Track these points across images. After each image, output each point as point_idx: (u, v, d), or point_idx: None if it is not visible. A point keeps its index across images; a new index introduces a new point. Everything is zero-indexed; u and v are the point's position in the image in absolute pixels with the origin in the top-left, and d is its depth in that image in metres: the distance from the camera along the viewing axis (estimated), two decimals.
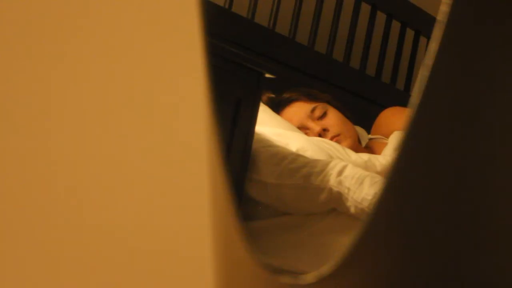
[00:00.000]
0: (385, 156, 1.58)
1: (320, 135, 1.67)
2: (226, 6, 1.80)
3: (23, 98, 0.70)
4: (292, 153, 1.38)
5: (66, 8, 0.71)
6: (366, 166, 1.47)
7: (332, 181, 1.29)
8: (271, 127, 1.55)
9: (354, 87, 2.13)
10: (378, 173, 1.41)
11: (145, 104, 0.74)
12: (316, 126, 1.68)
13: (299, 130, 1.67)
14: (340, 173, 1.30)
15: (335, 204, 1.31)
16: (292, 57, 1.97)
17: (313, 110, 1.71)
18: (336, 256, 0.70)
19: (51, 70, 0.71)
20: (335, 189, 1.29)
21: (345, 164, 1.33)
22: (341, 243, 1.24)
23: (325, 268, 0.71)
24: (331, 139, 1.67)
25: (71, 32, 0.71)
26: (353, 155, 1.54)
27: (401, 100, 2.06)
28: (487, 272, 0.72)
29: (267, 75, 1.36)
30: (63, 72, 0.71)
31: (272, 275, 0.78)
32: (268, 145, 1.41)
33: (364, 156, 1.53)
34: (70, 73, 0.71)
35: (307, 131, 1.69)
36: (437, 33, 0.63)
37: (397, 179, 0.69)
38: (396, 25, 2.30)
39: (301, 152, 1.42)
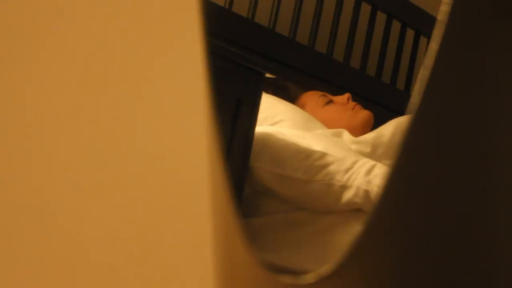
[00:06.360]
0: (387, 127, 1.64)
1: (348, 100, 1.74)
2: (226, 6, 1.80)
3: (22, 98, 0.70)
4: (319, 151, 1.39)
5: (66, 7, 0.71)
6: (374, 144, 1.53)
7: (361, 180, 1.29)
8: (281, 110, 1.59)
9: (354, 87, 2.13)
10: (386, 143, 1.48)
11: (145, 104, 0.74)
12: (338, 97, 1.74)
13: (316, 121, 1.69)
14: (369, 172, 1.30)
15: (361, 203, 1.30)
16: (292, 57, 1.97)
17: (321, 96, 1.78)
18: (336, 256, 0.70)
19: (50, 71, 0.71)
20: (363, 187, 1.29)
21: (374, 163, 1.34)
22: (343, 242, 1.24)
23: (325, 268, 0.71)
24: (354, 107, 1.74)
25: (71, 32, 0.71)
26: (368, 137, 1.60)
27: (401, 100, 2.06)
28: (489, 273, 0.72)
29: (267, 75, 1.35)
30: (62, 72, 0.71)
31: (272, 274, 0.78)
32: (294, 141, 1.41)
33: (371, 133, 1.59)
34: (70, 73, 0.71)
35: (331, 103, 1.74)
36: (437, 33, 0.63)
37: (398, 179, 0.69)
38: (396, 25, 2.30)
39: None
